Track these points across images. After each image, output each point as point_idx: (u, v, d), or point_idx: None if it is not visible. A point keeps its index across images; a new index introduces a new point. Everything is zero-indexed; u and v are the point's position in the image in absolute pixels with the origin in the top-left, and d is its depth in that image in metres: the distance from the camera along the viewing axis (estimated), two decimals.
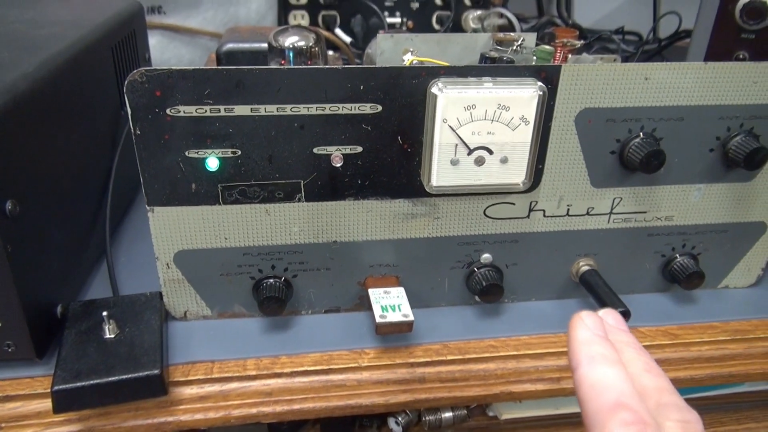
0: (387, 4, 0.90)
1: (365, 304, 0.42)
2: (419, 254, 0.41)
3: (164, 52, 0.74)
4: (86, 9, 0.52)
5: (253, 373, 0.37)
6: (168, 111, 0.34)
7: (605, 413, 0.21)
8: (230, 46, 0.53)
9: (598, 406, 0.21)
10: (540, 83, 0.36)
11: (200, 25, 0.75)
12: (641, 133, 0.38)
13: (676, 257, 0.43)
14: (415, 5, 0.91)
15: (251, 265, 0.39)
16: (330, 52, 0.60)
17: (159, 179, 0.35)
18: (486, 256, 0.41)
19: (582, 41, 0.56)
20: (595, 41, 0.97)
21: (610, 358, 0.23)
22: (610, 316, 0.26)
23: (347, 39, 0.87)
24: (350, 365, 0.38)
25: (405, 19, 0.91)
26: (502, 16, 0.85)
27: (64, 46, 0.41)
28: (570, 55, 0.51)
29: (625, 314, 0.38)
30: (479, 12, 0.93)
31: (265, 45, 0.51)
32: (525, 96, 0.36)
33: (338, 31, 0.87)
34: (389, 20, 0.90)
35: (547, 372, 0.39)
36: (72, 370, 0.34)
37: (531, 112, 0.36)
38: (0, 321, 0.34)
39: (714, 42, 0.69)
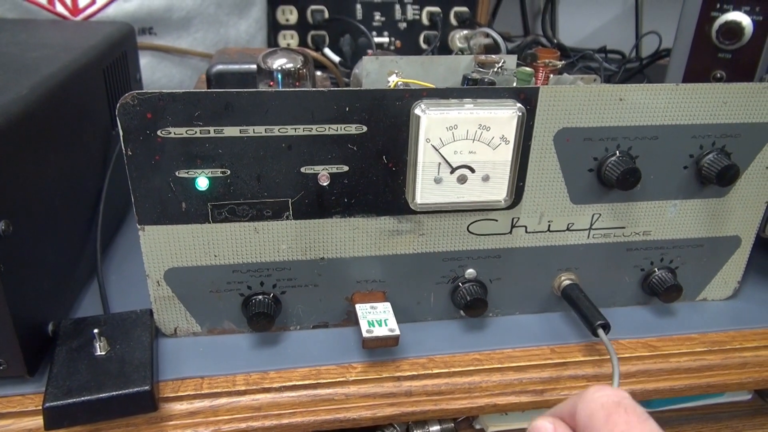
0: (375, 24, 0.92)
1: (353, 319, 0.43)
2: (405, 270, 0.42)
3: (155, 72, 0.75)
4: (78, 32, 0.53)
5: (243, 388, 0.38)
6: (159, 132, 0.35)
7: (580, 397, 0.24)
8: (220, 67, 0.54)
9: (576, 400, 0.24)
10: (519, 104, 0.37)
11: (190, 46, 0.77)
12: (617, 152, 0.40)
13: (655, 271, 0.45)
14: (403, 25, 0.93)
15: (240, 282, 0.40)
16: (318, 73, 0.61)
17: (150, 198, 0.36)
18: (470, 272, 0.42)
19: (563, 61, 0.58)
20: (578, 60, 0.99)
21: None
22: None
23: (336, 58, 0.88)
24: (338, 379, 0.39)
25: (393, 39, 0.93)
26: (487, 35, 0.87)
27: (56, 69, 0.42)
28: (552, 75, 0.53)
29: (605, 327, 0.39)
30: (465, 32, 0.96)
31: (255, 66, 0.52)
32: (505, 116, 0.37)
33: (327, 50, 0.89)
34: (377, 39, 0.92)
35: (531, 384, 0.40)
36: (63, 387, 0.34)
37: (511, 131, 0.37)
38: None
39: (692, 61, 0.72)
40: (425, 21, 0.93)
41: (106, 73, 0.51)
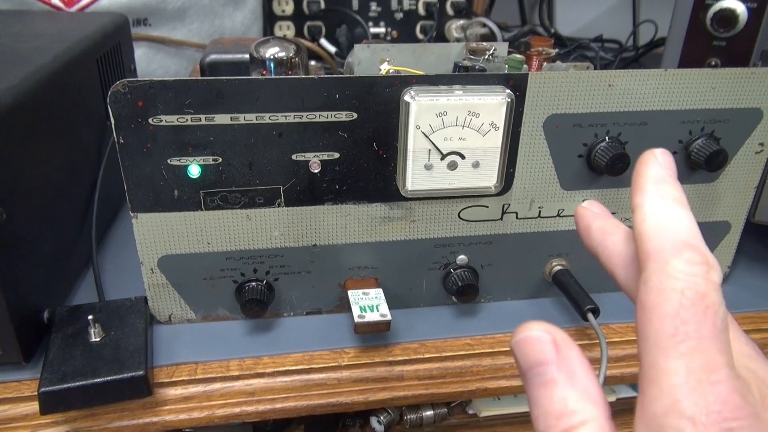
0: (371, 14, 0.92)
1: (345, 306, 0.43)
2: (397, 256, 0.42)
3: (150, 63, 0.75)
4: (71, 22, 0.53)
5: (236, 373, 0.38)
6: (150, 120, 0.35)
7: (669, 250, 0.19)
8: (213, 57, 0.54)
9: (660, 244, 0.19)
10: (508, 90, 0.37)
11: (186, 37, 0.77)
12: (607, 138, 0.40)
13: None
14: (399, 15, 0.93)
15: (233, 269, 0.40)
16: (313, 62, 0.61)
17: (142, 186, 0.37)
18: (462, 258, 0.43)
19: (557, 50, 0.58)
20: (574, 49, 0.99)
21: (681, 201, 0.20)
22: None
23: (332, 49, 0.89)
24: (331, 364, 0.39)
25: (389, 29, 0.93)
26: (484, 25, 0.87)
27: (49, 59, 0.42)
28: (545, 63, 0.53)
29: (594, 311, 0.40)
30: (462, 21, 0.95)
31: (248, 56, 0.52)
32: (494, 103, 0.37)
33: (323, 41, 0.89)
34: (373, 30, 0.92)
35: None
36: (58, 372, 0.35)
37: (500, 118, 0.38)
38: None
39: (687, 49, 0.72)
40: (421, 11, 0.92)
41: (100, 64, 0.51)
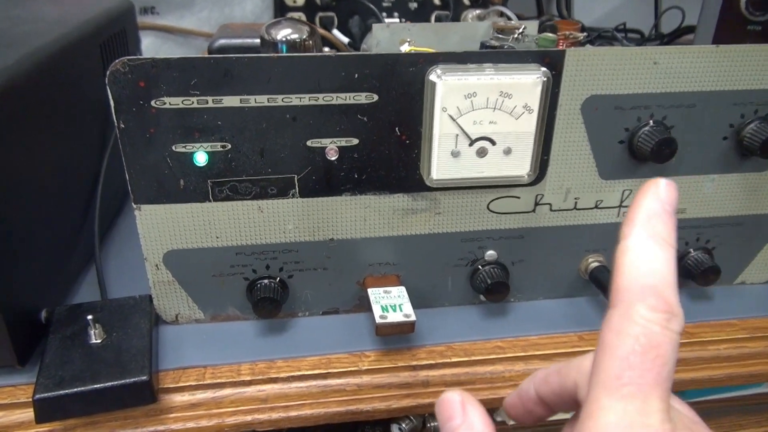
0: (385, 4, 0.88)
1: (365, 305, 0.40)
2: (420, 252, 0.39)
3: (158, 52, 0.73)
4: (73, 6, 0.50)
5: (248, 378, 0.35)
6: (153, 103, 0.32)
7: (637, 293, 0.19)
8: (222, 42, 0.51)
9: (630, 284, 0.20)
10: (544, 69, 0.34)
11: (194, 26, 0.74)
12: (651, 121, 0.37)
13: (690, 252, 0.41)
14: (413, 5, 0.89)
15: (244, 265, 0.37)
16: (326, 49, 0.58)
17: (145, 175, 0.34)
18: (490, 253, 0.40)
19: (585, 33, 0.54)
20: (595, 39, 0.95)
21: (667, 240, 0.20)
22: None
23: (345, 40, 0.85)
24: (350, 369, 0.36)
25: (403, 20, 0.90)
26: (501, 14, 0.84)
27: (47, 42, 0.40)
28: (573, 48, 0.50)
29: None
30: (478, 11, 0.92)
31: (258, 41, 0.49)
32: (528, 82, 0.34)
33: (336, 32, 0.86)
34: (387, 21, 0.89)
35: None
36: (55, 377, 0.32)
37: (535, 99, 0.34)
38: None
39: (719, 35, 0.68)
40: (436, 0, 0.89)
41: (104, 49, 0.49)
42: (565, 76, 0.35)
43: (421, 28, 0.43)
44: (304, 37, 0.44)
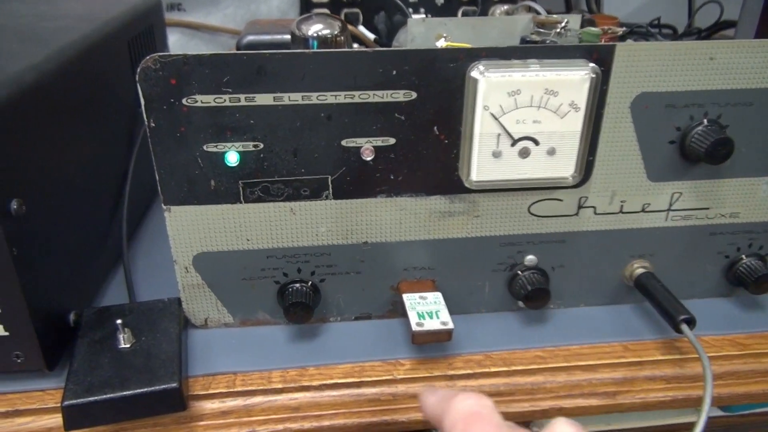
0: (411, 0, 0.87)
1: (399, 311, 0.38)
2: (457, 256, 0.37)
3: (184, 50, 0.72)
4: (101, 3, 0.50)
5: (279, 386, 0.34)
6: (184, 101, 0.31)
7: (448, 401, 0.25)
8: (251, 38, 0.50)
9: (443, 403, 0.25)
10: (592, 64, 0.32)
11: (220, 23, 0.73)
12: (705, 120, 0.34)
13: (742, 258, 0.39)
14: (440, 1, 0.88)
15: (275, 268, 0.36)
16: (355, 45, 0.57)
17: (175, 176, 0.33)
18: (530, 258, 0.38)
19: (623, 28, 0.52)
20: (629, 35, 0.92)
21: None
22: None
23: (371, 36, 0.84)
24: (384, 377, 0.35)
25: (429, 15, 0.88)
26: (530, 9, 0.81)
27: (76, 38, 0.39)
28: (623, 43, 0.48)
29: (690, 322, 0.34)
30: (506, 6, 0.90)
31: (287, 37, 0.48)
32: (575, 79, 0.32)
33: (361, 28, 0.85)
34: (414, 17, 0.87)
35: (602, 385, 0.36)
36: (84, 383, 0.31)
37: (582, 97, 0.33)
38: (7, 330, 0.32)
39: (763, 29, 0.65)
40: None
41: (131, 47, 0.48)
42: (615, 72, 0.33)
43: (457, 23, 0.41)
44: (336, 32, 0.43)
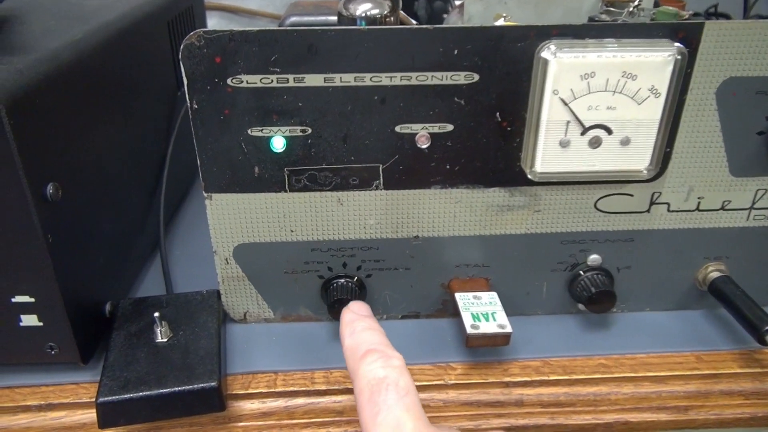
0: None
1: (449, 310, 0.36)
2: (514, 253, 0.34)
3: None
4: None
5: (323, 387, 0.32)
6: (229, 81, 0.29)
7: (357, 361, 0.25)
8: (294, 19, 0.48)
9: (354, 361, 0.25)
10: (678, 45, 0.29)
11: (259, 7, 0.71)
12: None
13: None
14: None
15: (320, 262, 0.34)
16: None
17: (218, 161, 0.31)
18: (594, 258, 0.35)
19: (691, 11, 0.48)
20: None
21: (369, 328, 0.27)
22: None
23: (413, 22, 0.81)
24: (434, 382, 0.32)
25: None
26: None
27: (115, 17, 0.37)
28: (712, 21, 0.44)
29: None
30: None
31: (332, 18, 0.46)
32: (658, 61, 0.29)
33: (402, 14, 0.82)
34: (457, 2, 0.84)
35: (672, 399, 0.33)
36: (119, 379, 0.30)
37: (663, 81, 0.29)
38: (41, 320, 0.30)
39: None
40: None
41: (171, 27, 0.46)
42: (701, 54, 0.30)
43: (518, 2, 0.38)
44: (386, 12, 0.40)
